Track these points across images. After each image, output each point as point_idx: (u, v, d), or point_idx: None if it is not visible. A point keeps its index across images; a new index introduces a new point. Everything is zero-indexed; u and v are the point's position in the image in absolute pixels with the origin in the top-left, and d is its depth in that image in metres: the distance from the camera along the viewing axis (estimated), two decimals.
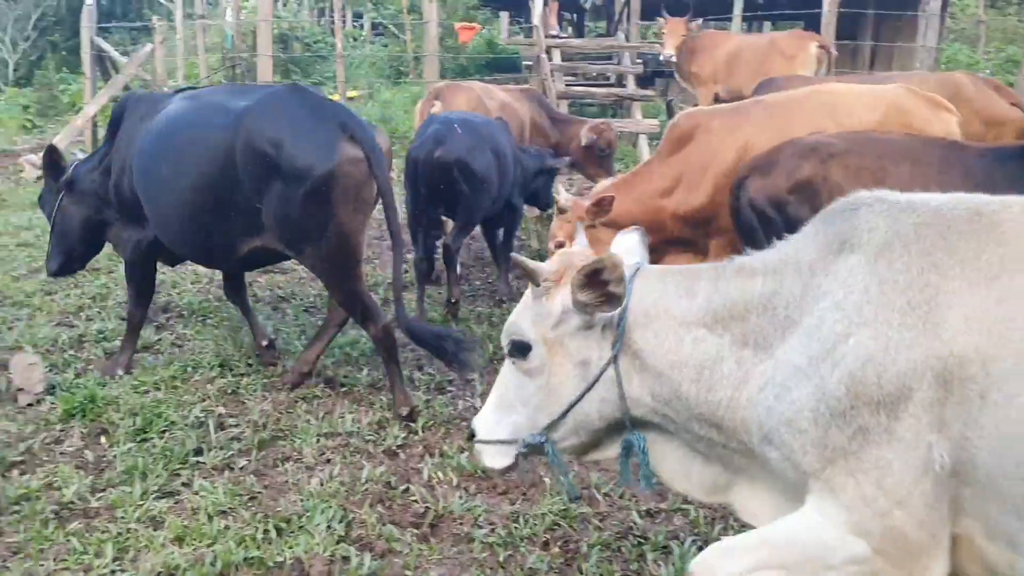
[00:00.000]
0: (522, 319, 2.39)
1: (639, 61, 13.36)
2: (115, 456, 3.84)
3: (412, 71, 18.09)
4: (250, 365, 4.89)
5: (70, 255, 5.08)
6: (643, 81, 13.51)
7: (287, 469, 3.79)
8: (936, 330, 1.86)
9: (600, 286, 2.18)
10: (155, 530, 3.29)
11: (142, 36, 26.26)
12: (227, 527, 3.28)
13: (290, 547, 3.17)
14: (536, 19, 13.19)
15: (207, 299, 6.11)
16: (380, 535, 3.28)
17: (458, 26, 16.25)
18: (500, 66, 17.69)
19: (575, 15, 20.34)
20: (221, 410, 4.34)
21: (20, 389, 4.45)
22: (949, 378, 1.83)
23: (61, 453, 3.92)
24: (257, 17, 14.04)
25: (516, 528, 3.33)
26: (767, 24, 19.62)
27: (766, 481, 2.24)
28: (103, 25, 15.71)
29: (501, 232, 6.52)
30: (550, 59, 11.83)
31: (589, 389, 2.32)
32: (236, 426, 4.19)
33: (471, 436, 2.51)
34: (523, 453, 2.45)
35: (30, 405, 4.38)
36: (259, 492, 3.59)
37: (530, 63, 13.61)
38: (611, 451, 2.48)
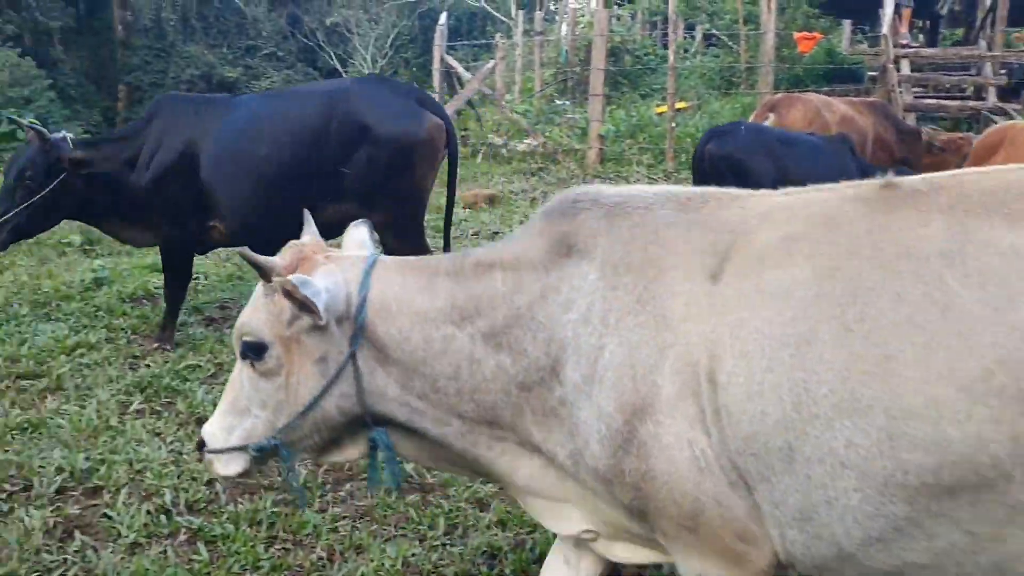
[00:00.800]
0: (255, 318, 2.27)
1: (1002, 72, 12.21)
2: None
3: (744, 82, 17.84)
4: None
5: (29, 230, 5.42)
6: (1006, 93, 12.32)
7: None
8: (665, 323, 1.95)
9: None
10: (481, 511, 3.57)
11: (484, 52, 28.28)
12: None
13: None
14: (885, 27, 12.50)
15: None
16: None
17: (797, 35, 15.77)
18: (840, 77, 16.92)
19: (928, 22, 18.98)
20: None
21: None
22: (682, 367, 1.91)
23: None
24: (592, 32, 14.57)
25: None
26: None
27: (529, 468, 2.25)
28: (451, 43, 17.15)
29: None
30: (898, 70, 11.16)
31: (330, 385, 2.25)
32: None
33: (200, 445, 2.39)
34: (257, 458, 2.35)
35: None
36: None
37: (874, 73, 12.92)
38: (352, 451, 2.43)
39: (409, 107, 5.21)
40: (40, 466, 3.77)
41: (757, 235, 1.97)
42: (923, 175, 2.03)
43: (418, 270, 2.34)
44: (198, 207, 5.27)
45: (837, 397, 1.78)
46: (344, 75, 37.05)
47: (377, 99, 5.19)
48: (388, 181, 5.07)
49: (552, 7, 35.16)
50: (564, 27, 23.37)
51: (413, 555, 3.22)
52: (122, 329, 5.70)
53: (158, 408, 4.46)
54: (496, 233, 8.72)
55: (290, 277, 2.17)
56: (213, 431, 2.40)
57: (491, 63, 14.98)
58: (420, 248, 5.07)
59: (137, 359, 5.17)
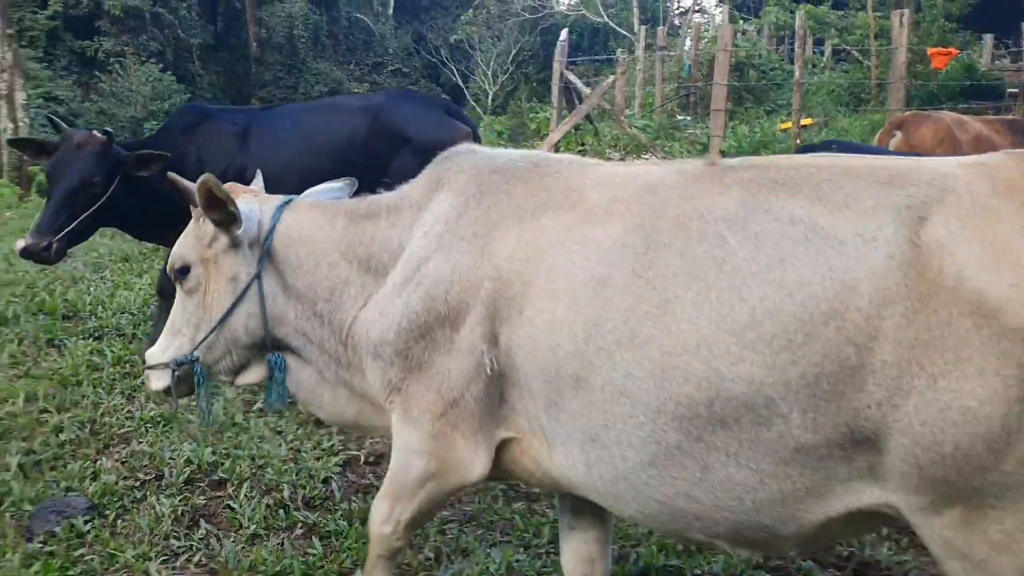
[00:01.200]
0: (183, 243, 2.72)
1: None
2: None
3: (874, 99, 17.34)
4: None
5: (80, 240, 4.97)
6: None
7: None
8: (490, 257, 2.29)
9: (221, 205, 2.55)
10: None
11: (605, 67, 28.36)
12: (651, 532, 3.50)
13: (708, 563, 3.30)
14: None
15: None
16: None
17: (931, 51, 15.24)
18: (978, 94, 16.24)
19: None
20: None
21: None
22: (496, 296, 2.25)
23: None
24: (716, 47, 14.45)
25: None
26: None
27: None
28: (572, 59, 17.28)
29: None
30: None
31: (237, 303, 2.64)
32: None
33: (144, 364, 2.81)
34: (176, 373, 2.69)
35: None
36: None
37: (1015, 90, 12.35)
38: (258, 373, 2.77)
39: (440, 117, 5.62)
40: (171, 458, 4.02)
41: (589, 196, 2.30)
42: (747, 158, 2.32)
43: (323, 209, 2.73)
44: None
45: (620, 333, 2.05)
46: (465, 90, 37.77)
47: (413, 111, 5.59)
48: None
49: (676, 22, 34.99)
50: (688, 42, 23.23)
51: (517, 561, 3.29)
52: None
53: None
54: None
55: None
56: (153, 351, 2.81)
57: (611, 78, 15.03)
58: None
59: None
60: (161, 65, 32.14)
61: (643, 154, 14.27)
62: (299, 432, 4.35)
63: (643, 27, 25.23)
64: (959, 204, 1.86)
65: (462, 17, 39.95)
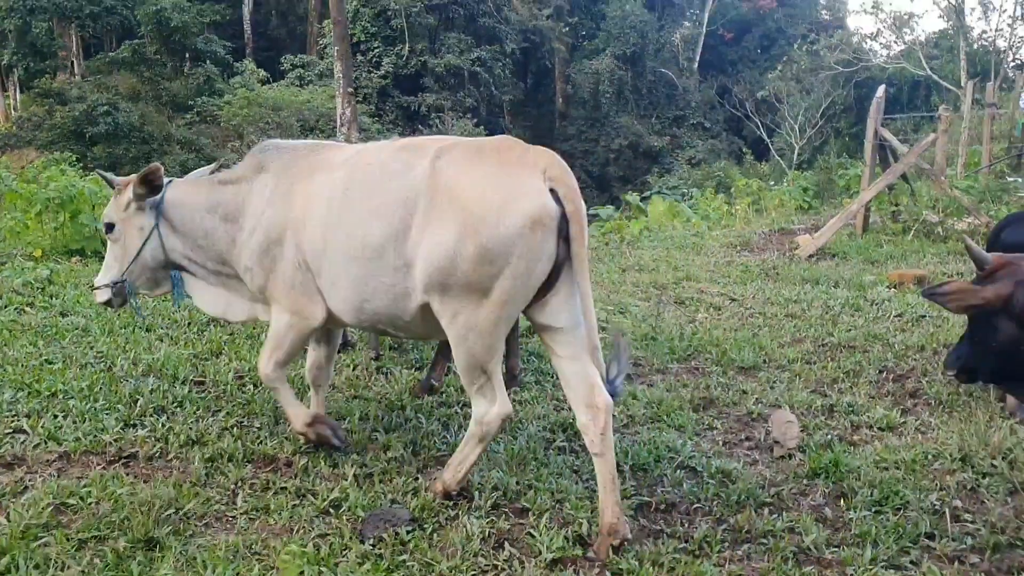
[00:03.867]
0: (109, 208, 4.86)
1: None
2: (851, 519, 4.26)
3: None
4: (994, 465, 4.86)
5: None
6: None
7: None
8: (291, 206, 4.35)
9: (149, 184, 4.69)
10: None
11: (925, 124, 26.82)
12: None
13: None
14: None
15: (954, 391, 6.19)
16: None
17: None
18: None
19: None
20: (957, 503, 4.44)
21: (776, 442, 5.19)
22: (296, 226, 4.30)
23: (805, 504, 4.48)
24: None
25: None
26: None
27: (237, 282, 4.76)
28: (889, 115, 16.63)
29: None
30: None
31: (144, 244, 4.79)
32: (972, 522, 4.26)
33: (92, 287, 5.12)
34: (114, 290, 4.86)
35: (782, 457, 5.08)
36: None
37: None
38: (165, 286, 5.02)
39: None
40: (480, 483, 4.47)
41: (335, 161, 4.34)
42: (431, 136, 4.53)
43: (195, 184, 4.85)
44: None
45: (334, 225, 4.13)
46: (770, 144, 37.15)
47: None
48: None
49: (1010, 74, 32.32)
50: (1023, 98, 21.48)
51: None
52: (548, 374, 6.43)
53: (576, 448, 5.02)
54: (922, 316, 8.38)
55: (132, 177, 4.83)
56: (98, 277, 4.95)
57: (932, 136, 14.30)
58: None
59: (560, 402, 5.83)
60: (475, 120, 34.70)
61: (964, 216, 13.43)
62: (594, 472, 4.65)
63: (971, 81, 23.65)
64: (454, 150, 3.93)
65: (770, 73, 39.43)
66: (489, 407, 4.03)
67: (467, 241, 3.65)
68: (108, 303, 4.91)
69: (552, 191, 3.68)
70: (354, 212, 4.02)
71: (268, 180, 4.47)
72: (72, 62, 34.28)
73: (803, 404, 5.95)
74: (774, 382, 6.49)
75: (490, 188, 3.68)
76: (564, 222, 3.70)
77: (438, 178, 3.80)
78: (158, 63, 33.29)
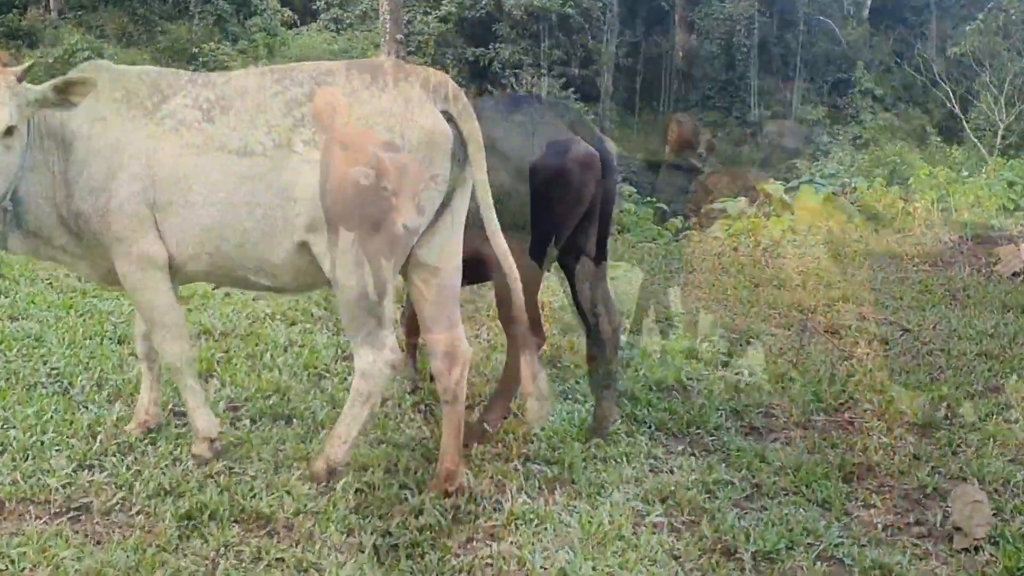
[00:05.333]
0: None
1: None
2: None
3: None
4: None
5: None
6: None
7: None
8: (136, 138, 4.93)
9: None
10: None
11: None
12: None
13: None
14: None
15: None
16: None
17: None
18: None
19: None
20: None
21: (958, 528, 4.98)
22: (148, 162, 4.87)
23: None
24: None
25: None
26: None
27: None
28: None
29: None
30: None
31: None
32: None
33: None
34: None
35: (966, 550, 4.87)
36: None
37: None
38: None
39: None
40: (542, 567, 4.38)
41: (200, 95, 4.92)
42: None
43: None
44: None
45: (182, 174, 4.79)
46: (964, 121, 36.38)
47: None
48: None
49: None
50: None
51: None
52: (644, 422, 6.32)
53: (679, 525, 4.91)
54: None
55: None
56: None
57: None
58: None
59: (659, 460, 5.71)
60: (563, 79, 34.61)
61: None
62: (701, 562, 4.54)
63: None
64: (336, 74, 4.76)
65: (968, 25, 38.35)
66: (376, 356, 4.66)
67: (355, 168, 4.50)
68: None
69: (444, 112, 4.64)
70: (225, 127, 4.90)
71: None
72: None
73: (998, 478, 5.75)
74: (958, 445, 6.29)
75: (379, 112, 4.58)
76: (460, 146, 4.68)
77: (320, 104, 4.67)
78: None
